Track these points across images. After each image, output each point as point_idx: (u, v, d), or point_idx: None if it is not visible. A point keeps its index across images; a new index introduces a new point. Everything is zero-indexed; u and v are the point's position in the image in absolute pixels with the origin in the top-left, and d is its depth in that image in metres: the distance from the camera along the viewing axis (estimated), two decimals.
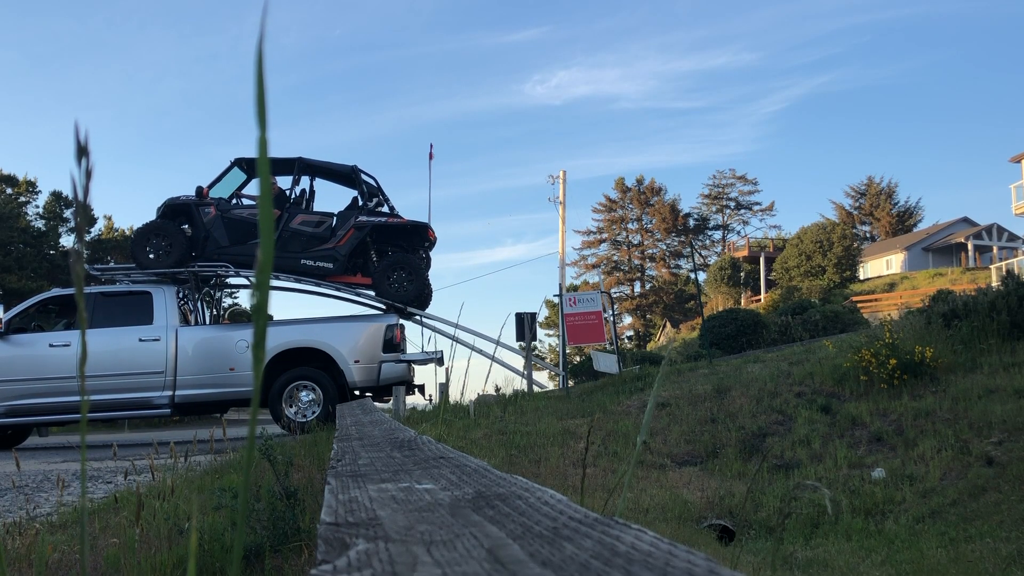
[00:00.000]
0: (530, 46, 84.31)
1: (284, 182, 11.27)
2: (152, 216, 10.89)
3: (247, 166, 11.03)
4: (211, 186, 10.74)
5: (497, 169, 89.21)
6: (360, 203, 11.03)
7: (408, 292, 10.68)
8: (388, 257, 10.94)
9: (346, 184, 11.55)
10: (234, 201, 10.98)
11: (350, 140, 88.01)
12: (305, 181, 11.40)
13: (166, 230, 10.54)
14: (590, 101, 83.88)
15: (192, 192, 10.67)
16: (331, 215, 10.92)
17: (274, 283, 10.83)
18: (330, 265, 10.63)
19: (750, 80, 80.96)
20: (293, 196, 11.01)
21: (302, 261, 10.64)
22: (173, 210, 10.76)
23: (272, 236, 0.47)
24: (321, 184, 12.32)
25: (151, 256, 10.40)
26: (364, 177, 11.15)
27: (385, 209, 11.16)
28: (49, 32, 69.80)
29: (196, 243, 10.61)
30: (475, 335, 11.58)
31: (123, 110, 74.52)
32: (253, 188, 11.19)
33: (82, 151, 0.52)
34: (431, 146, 12.67)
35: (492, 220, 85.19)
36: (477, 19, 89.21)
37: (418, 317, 11.22)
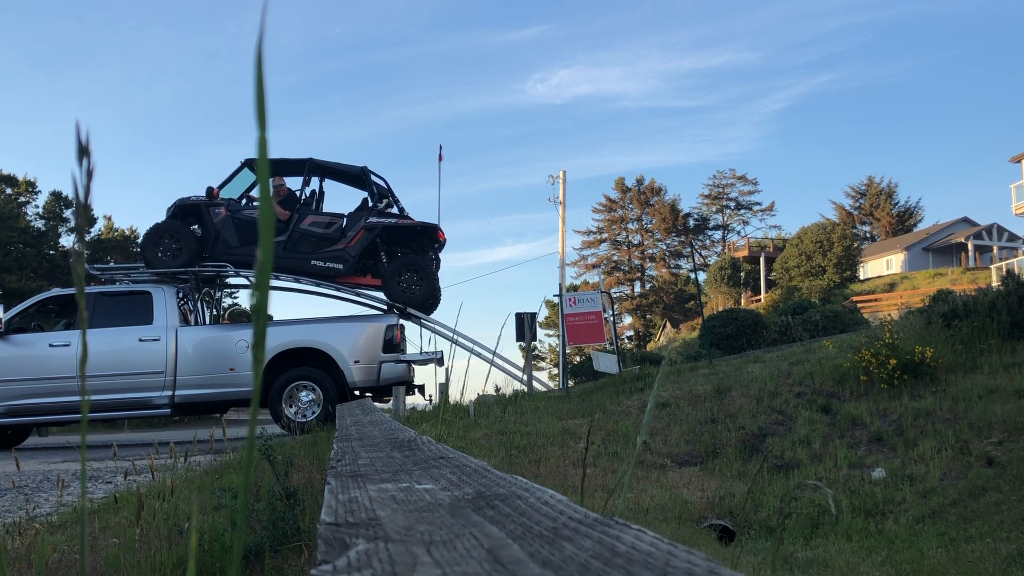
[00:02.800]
0: (531, 45, 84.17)
1: (294, 183, 11.33)
2: (155, 216, 10.95)
3: (252, 167, 11.00)
4: (221, 186, 10.77)
5: (497, 169, 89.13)
6: (370, 204, 11.04)
7: (417, 294, 10.67)
8: (398, 259, 10.93)
9: (356, 185, 11.56)
10: (244, 201, 11.01)
11: (349, 140, 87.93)
12: (315, 182, 11.44)
13: (176, 230, 10.55)
14: (591, 100, 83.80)
15: (202, 192, 10.69)
16: (341, 216, 10.93)
17: (274, 283, 10.92)
18: (340, 266, 10.63)
19: (751, 79, 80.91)
20: (303, 197, 11.04)
21: (312, 262, 10.64)
22: (183, 210, 10.77)
23: (272, 236, 0.47)
24: (330, 185, 12.34)
25: (161, 256, 10.41)
26: (374, 178, 11.16)
27: (395, 210, 11.17)
28: (47, 31, 69.72)
29: (206, 244, 10.61)
30: (474, 343, 11.59)
31: (122, 109, 74.40)
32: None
33: (83, 151, 0.52)
34: (440, 148, 12.68)
35: (492, 220, 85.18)
36: (477, 17, 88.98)
37: (418, 317, 11.21)
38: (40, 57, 69.65)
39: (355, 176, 11.24)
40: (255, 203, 11.00)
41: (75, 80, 72.69)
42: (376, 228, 10.68)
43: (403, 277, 10.66)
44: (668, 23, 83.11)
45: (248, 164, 11.01)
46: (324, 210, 11.21)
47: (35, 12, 69.15)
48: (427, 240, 11.15)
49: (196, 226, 10.77)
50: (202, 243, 10.58)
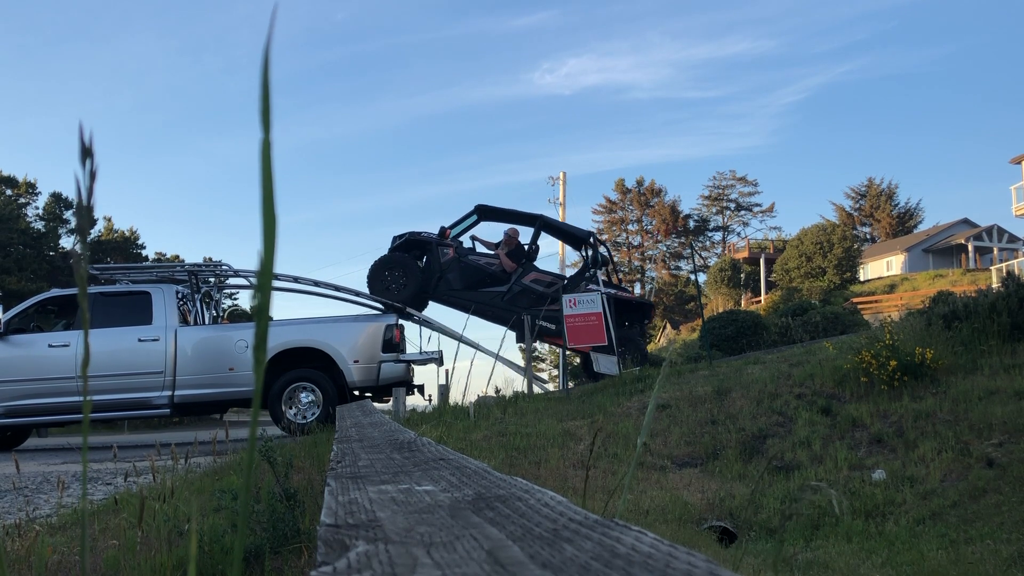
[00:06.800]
0: (539, 32, 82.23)
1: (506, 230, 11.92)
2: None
3: (481, 212, 11.67)
4: (452, 227, 11.32)
5: (500, 163, 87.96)
6: (589, 271, 11.27)
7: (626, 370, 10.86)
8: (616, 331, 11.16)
9: (576, 248, 11.91)
10: (468, 244, 11.49)
11: (346, 134, 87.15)
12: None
13: (405, 264, 10.91)
14: (601, 91, 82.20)
15: (434, 231, 11.20)
16: (563, 278, 11.30)
17: (273, 283, 11.01)
18: (552, 326, 10.94)
19: (766, 69, 79.61)
20: (529, 251, 11.42)
21: (523, 317, 10.89)
22: (411, 244, 11.11)
23: (274, 235, 0.47)
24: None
25: (387, 288, 10.80)
26: (599, 247, 11.45)
27: (609, 279, 11.53)
28: (31, 23, 69.15)
29: (429, 280, 10.99)
30: (476, 346, 11.68)
31: (110, 104, 73.73)
32: (482, 231, 11.91)
33: (86, 152, 0.52)
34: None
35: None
36: (480, 2, 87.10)
37: (417, 317, 11.23)
38: (25, 49, 69.12)
39: (581, 239, 11.65)
40: (479, 248, 11.61)
41: (62, 75, 72.22)
42: None
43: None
44: (683, 8, 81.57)
45: (478, 210, 11.55)
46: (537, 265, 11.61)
47: (21, 5, 68.46)
48: (640, 315, 11.38)
49: (418, 260, 11.19)
50: (424, 278, 10.89)
